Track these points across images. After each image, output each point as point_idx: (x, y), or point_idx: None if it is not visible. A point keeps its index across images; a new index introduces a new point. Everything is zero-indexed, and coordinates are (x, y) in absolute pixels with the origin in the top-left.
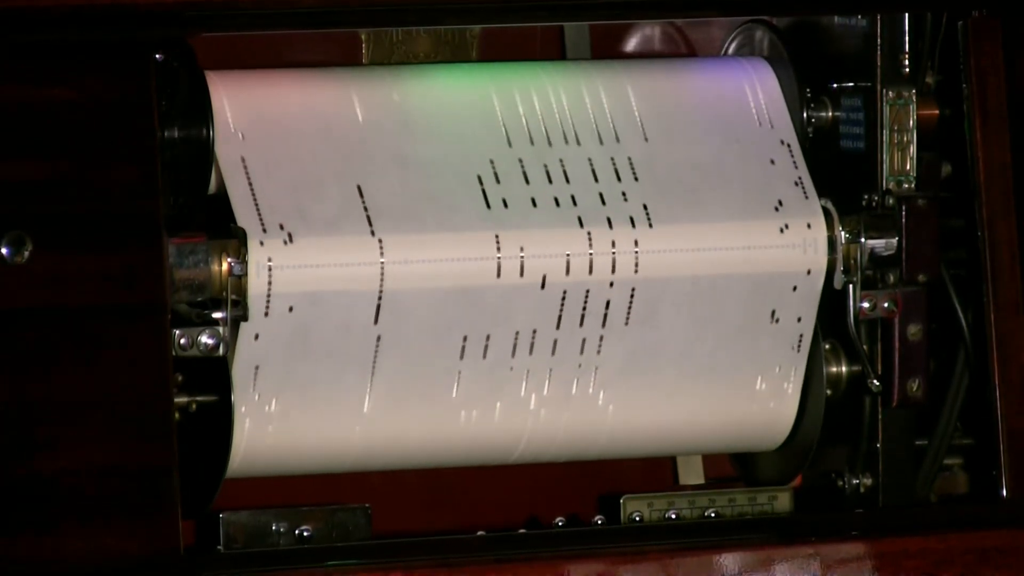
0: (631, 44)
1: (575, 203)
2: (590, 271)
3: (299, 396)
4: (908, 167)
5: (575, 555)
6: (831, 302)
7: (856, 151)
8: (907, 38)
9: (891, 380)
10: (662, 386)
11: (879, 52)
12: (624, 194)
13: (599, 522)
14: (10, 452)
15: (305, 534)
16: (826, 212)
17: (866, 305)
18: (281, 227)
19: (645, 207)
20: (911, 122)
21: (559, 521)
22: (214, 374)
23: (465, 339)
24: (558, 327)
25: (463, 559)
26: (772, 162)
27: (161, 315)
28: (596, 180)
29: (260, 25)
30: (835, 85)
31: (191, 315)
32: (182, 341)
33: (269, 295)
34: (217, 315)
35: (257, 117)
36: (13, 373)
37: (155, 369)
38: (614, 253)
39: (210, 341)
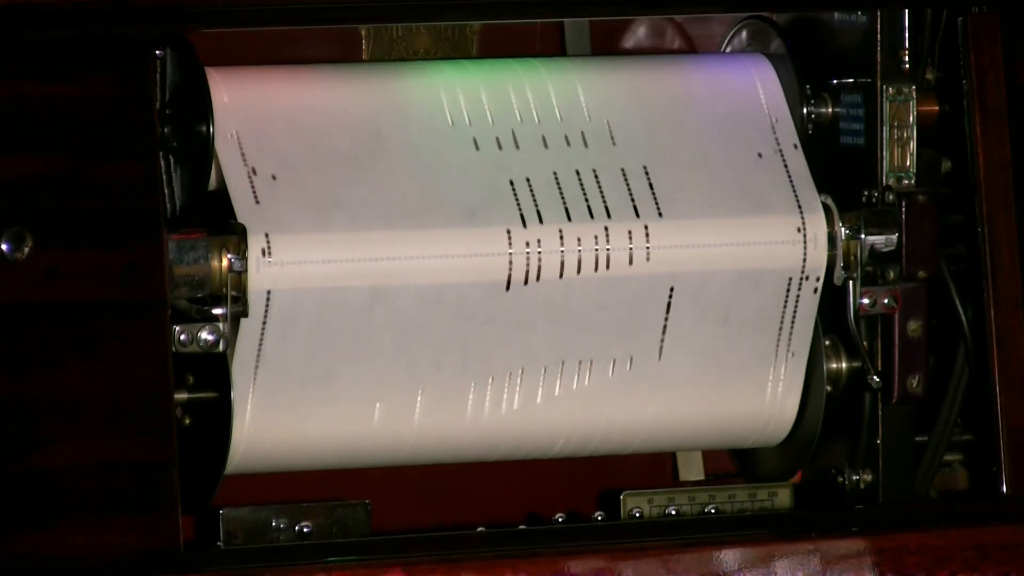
0: (631, 40)
1: (577, 200)
2: (592, 267)
3: (299, 392)
4: (908, 163)
5: (575, 551)
6: (831, 298)
7: (856, 147)
8: (907, 34)
9: (891, 376)
10: (662, 382)
11: (879, 48)
12: (623, 190)
13: (599, 518)
14: (10, 448)
15: (305, 530)
16: (826, 208)
17: (866, 301)
18: (281, 223)
19: (643, 204)
20: (911, 118)
21: (559, 517)
22: (214, 370)
23: (467, 336)
24: (563, 323)
25: (463, 555)
26: (772, 158)
27: (161, 311)
28: (596, 176)
29: (260, 21)
30: (835, 81)
31: (191, 311)
32: (182, 337)
33: (269, 291)
34: (217, 311)
35: (257, 113)
36: (13, 369)
37: (155, 365)
38: (615, 249)
39: (210, 337)
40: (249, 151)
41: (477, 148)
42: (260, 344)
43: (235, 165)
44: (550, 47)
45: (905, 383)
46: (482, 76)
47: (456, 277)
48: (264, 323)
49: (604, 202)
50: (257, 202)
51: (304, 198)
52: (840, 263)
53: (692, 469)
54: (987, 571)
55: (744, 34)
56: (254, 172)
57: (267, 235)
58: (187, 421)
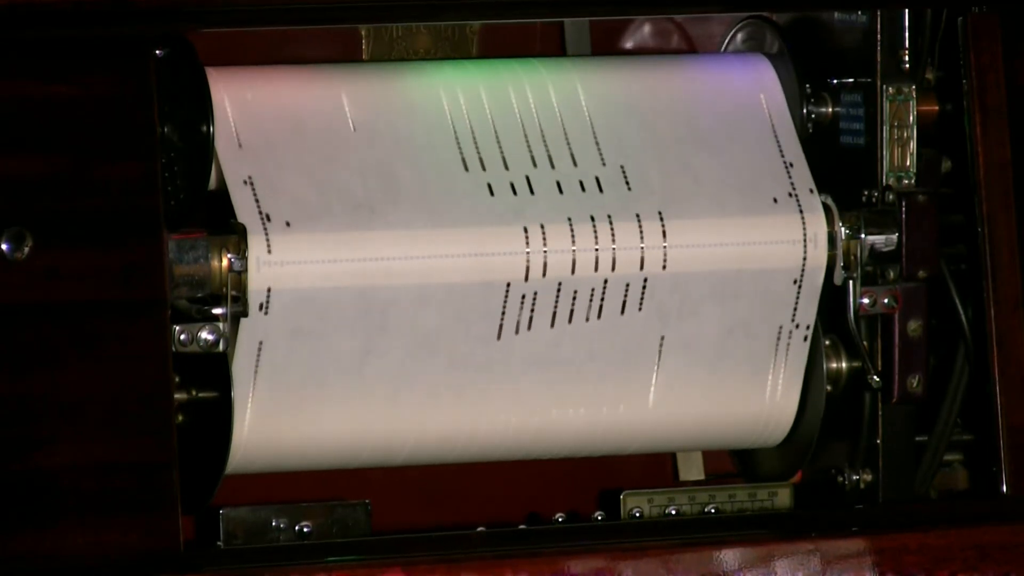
0: (631, 40)
1: (575, 199)
2: (592, 267)
3: (299, 392)
4: (908, 163)
5: (575, 551)
6: (831, 298)
7: (856, 147)
8: (907, 34)
9: (891, 376)
10: (662, 382)
11: (879, 48)
12: (624, 190)
13: (599, 518)
14: (10, 448)
15: (305, 530)
16: (826, 208)
17: (866, 301)
18: (281, 223)
19: (644, 204)
20: (911, 118)
21: (559, 517)
22: (214, 370)
23: (467, 335)
24: (561, 324)
25: (463, 555)
26: (772, 158)
27: (161, 311)
28: (596, 176)
29: (260, 21)
30: (835, 81)
31: (191, 311)
32: (182, 337)
33: (269, 291)
34: (217, 311)
35: (257, 113)
36: (13, 369)
37: (155, 365)
38: (613, 249)
39: (210, 337)
40: (249, 151)
41: (479, 148)
42: (260, 344)
43: (235, 164)
44: (550, 47)
45: (905, 383)
46: (482, 76)
47: (460, 276)
48: (264, 323)
49: (603, 202)
50: (257, 201)
51: (304, 197)
52: (840, 263)
53: (692, 469)
54: (987, 571)
55: (744, 34)
56: (254, 171)
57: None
58: (180, 418)
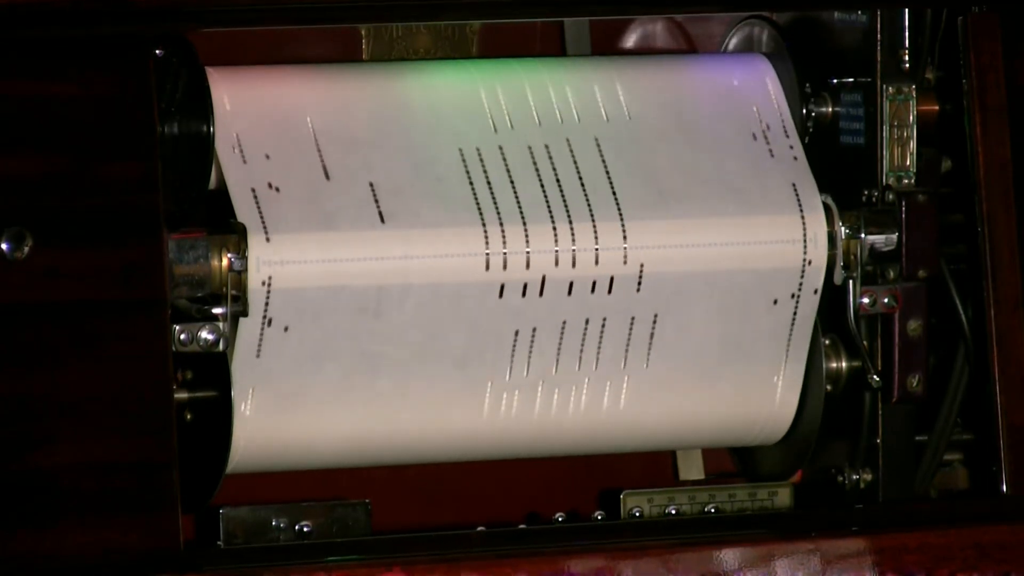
0: (631, 40)
1: (576, 199)
2: (592, 267)
3: (299, 391)
4: (908, 162)
5: (575, 550)
6: (831, 298)
7: (856, 146)
8: (907, 34)
9: (891, 376)
10: (662, 381)
11: (879, 47)
12: (625, 190)
13: (599, 517)
14: (10, 447)
15: (305, 529)
16: (826, 207)
17: (866, 301)
18: (281, 223)
19: (645, 203)
20: (911, 117)
21: (559, 517)
22: (214, 369)
23: (466, 335)
24: (560, 323)
25: (463, 554)
26: (772, 157)
27: (161, 310)
28: (595, 176)
29: (260, 21)
30: (835, 80)
31: (191, 310)
32: (182, 337)
33: (269, 290)
34: (217, 310)
35: (257, 113)
36: (13, 369)
37: (155, 364)
38: (614, 248)
39: (210, 337)
40: (249, 150)
41: (478, 148)
42: (260, 343)
43: (235, 164)
44: (550, 47)
45: (905, 382)
46: (482, 76)
47: (459, 276)
48: (264, 322)
49: (604, 201)
50: (257, 201)
51: (304, 197)
52: (840, 262)
53: (692, 468)
54: (986, 570)
55: (744, 34)
56: (254, 171)
57: (267, 233)
58: (188, 416)
